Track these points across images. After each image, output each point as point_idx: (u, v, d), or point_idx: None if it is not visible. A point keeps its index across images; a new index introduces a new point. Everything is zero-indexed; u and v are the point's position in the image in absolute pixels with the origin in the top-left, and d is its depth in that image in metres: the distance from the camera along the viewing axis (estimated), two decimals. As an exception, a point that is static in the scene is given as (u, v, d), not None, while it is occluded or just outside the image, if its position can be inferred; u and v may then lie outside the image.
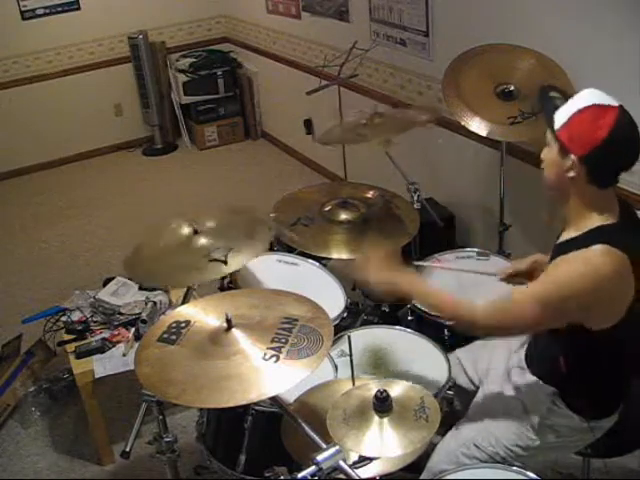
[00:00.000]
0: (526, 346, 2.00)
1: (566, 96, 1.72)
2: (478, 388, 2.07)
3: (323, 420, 1.68)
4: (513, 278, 2.17)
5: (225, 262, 2.00)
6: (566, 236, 1.72)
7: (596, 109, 1.61)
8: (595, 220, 1.65)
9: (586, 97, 1.64)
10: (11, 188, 5.54)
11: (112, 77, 5.80)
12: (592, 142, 1.59)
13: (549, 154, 1.71)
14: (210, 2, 5.98)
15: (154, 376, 1.51)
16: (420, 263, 2.55)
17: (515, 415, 1.87)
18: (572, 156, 1.62)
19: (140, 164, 5.83)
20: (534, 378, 1.88)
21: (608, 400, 1.82)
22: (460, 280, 2.58)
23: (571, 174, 1.64)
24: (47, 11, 5.42)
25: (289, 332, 1.55)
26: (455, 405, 2.12)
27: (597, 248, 1.59)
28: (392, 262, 1.94)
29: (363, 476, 1.61)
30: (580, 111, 1.62)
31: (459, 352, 2.21)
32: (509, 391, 1.93)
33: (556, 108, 1.68)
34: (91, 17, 5.56)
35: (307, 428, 1.52)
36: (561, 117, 1.65)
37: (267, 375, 1.45)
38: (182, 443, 2.56)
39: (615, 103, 1.62)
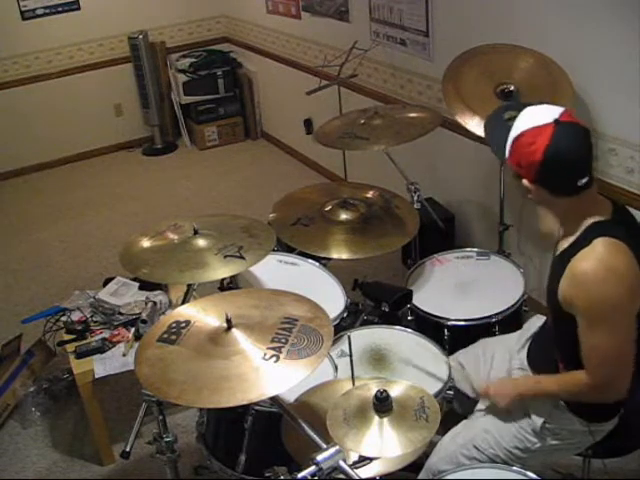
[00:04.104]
0: (527, 348, 2.00)
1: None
2: None
3: (323, 420, 1.68)
4: None
5: (242, 257, 2.01)
6: (565, 244, 1.72)
7: (530, 132, 1.60)
8: (588, 220, 1.66)
9: (523, 120, 1.63)
10: (11, 188, 5.54)
11: (112, 77, 5.80)
12: (533, 166, 1.60)
13: (514, 180, 1.72)
14: (210, 2, 5.98)
15: (154, 376, 1.51)
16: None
17: (516, 417, 1.87)
18: (524, 181, 1.65)
19: (140, 164, 5.83)
20: None
21: (609, 403, 1.82)
22: (459, 279, 2.59)
23: (531, 196, 1.68)
24: (47, 11, 5.42)
25: (289, 332, 1.55)
26: (456, 410, 2.12)
27: (598, 242, 1.59)
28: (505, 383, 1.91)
29: (363, 476, 1.61)
30: (517, 137, 1.63)
31: (460, 356, 2.20)
32: None
33: (507, 129, 1.67)
34: (91, 17, 5.56)
35: (307, 428, 1.52)
36: (508, 145, 1.66)
37: (267, 375, 1.45)
38: (182, 443, 2.56)
39: (550, 119, 1.60)
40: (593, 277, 1.58)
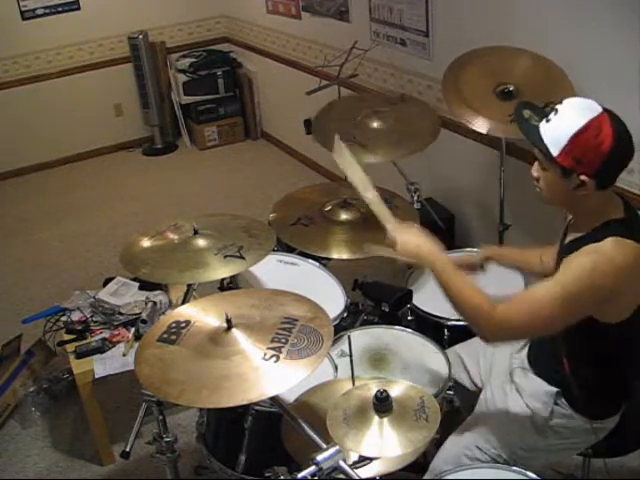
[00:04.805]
0: (528, 347, 2.00)
1: (538, 111, 1.67)
2: (480, 389, 2.07)
3: (323, 420, 1.68)
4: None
5: (242, 257, 2.01)
6: (574, 235, 1.71)
7: (593, 125, 1.55)
8: (603, 217, 1.64)
9: (574, 114, 1.57)
10: (11, 188, 5.54)
11: (112, 77, 5.80)
12: (600, 157, 1.56)
13: (548, 177, 1.66)
14: (210, 2, 5.98)
15: (154, 376, 1.51)
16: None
17: (518, 417, 1.87)
18: (582, 177, 1.58)
19: (140, 164, 5.83)
20: (537, 379, 1.88)
21: (611, 400, 1.82)
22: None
23: (582, 192, 1.61)
24: (47, 11, 5.42)
25: (289, 332, 1.55)
26: (455, 403, 2.12)
27: (609, 240, 1.58)
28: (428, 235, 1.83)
29: (363, 476, 1.61)
30: (579, 132, 1.55)
31: (460, 349, 2.20)
32: (511, 392, 1.92)
33: (535, 127, 1.63)
34: (91, 17, 5.56)
35: (307, 428, 1.52)
36: (556, 141, 1.58)
37: (267, 375, 1.45)
38: (182, 443, 2.57)
39: (598, 107, 1.58)
40: (584, 252, 1.57)
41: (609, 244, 1.57)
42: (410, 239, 1.83)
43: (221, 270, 2.00)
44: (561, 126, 1.58)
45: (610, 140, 1.54)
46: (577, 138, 1.56)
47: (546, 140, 1.60)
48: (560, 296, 1.57)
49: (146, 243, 2.14)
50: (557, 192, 1.67)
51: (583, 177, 1.58)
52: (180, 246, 2.10)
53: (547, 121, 1.61)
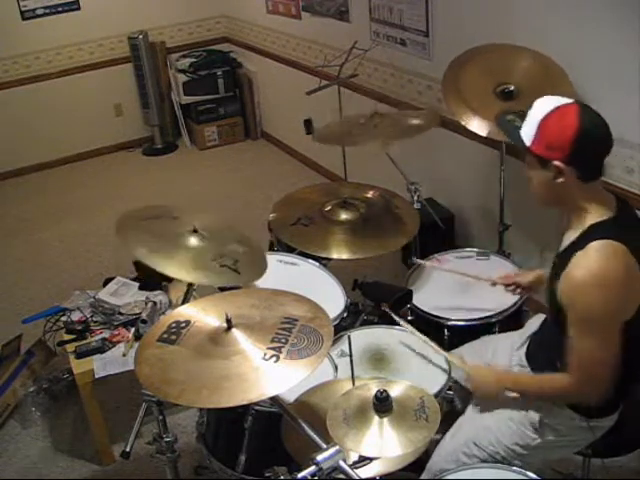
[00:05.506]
0: (527, 345, 2.00)
1: (522, 115, 1.74)
2: None
3: (323, 420, 1.68)
4: (508, 286, 2.20)
5: (237, 271, 2.01)
6: (567, 241, 1.73)
7: (557, 111, 1.64)
8: (591, 218, 1.67)
9: (542, 105, 1.67)
10: (11, 188, 5.54)
11: (112, 77, 5.80)
12: (568, 139, 1.61)
13: (533, 174, 1.73)
14: (210, 2, 5.98)
15: (154, 376, 1.51)
16: (420, 261, 2.55)
17: (515, 414, 1.87)
18: (555, 162, 1.64)
19: (140, 164, 5.83)
20: None
21: (608, 399, 1.82)
22: (459, 279, 2.58)
23: (560, 180, 1.66)
24: (47, 11, 5.42)
25: (289, 332, 1.55)
26: (455, 404, 2.12)
27: (592, 246, 1.61)
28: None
29: (363, 476, 1.61)
30: (544, 119, 1.65)
31: (463, 351, 2.20)
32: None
33: (518, 129, 1.71)
34: (91, 17, 5.56)
35: (307, 428, 1.52)
36: (528, 132, 1.68)
37: (267, 375, 1.45)
38: (182, 443, 2.56)
39: (570, 100, 1.66)
40: (582, 286, 1.61)
41: (590, 251, 1.61)
42: (482, 387, 1.92)
43: (213, 277, 2.01)
44: (531, 117, 1.68)
45: (575, 124, 1.60)
46: (543, 124, 1.65)
47: (522, 134, 1.70)
48: (594, 338, 1.62)
49: (143, 223, 2.12)
50: (543, 187, 1.72)
51: (557, 162, 1.64)
52: (176, 239, 2.08)
53: (526, 120, 1.70)
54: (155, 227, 2.13)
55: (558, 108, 1.64)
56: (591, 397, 1.71)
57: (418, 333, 2.11)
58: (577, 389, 1.69)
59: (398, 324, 2.36)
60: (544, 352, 1.89)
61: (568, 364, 1.69)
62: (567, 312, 1.67)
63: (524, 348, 2.00)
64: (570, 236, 1.72)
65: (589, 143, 1.62)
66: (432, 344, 2.08)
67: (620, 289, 1.60)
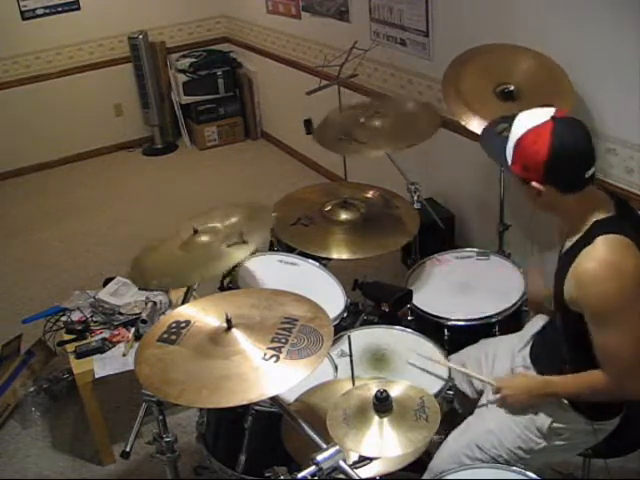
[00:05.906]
0: (530, 346, 2.00)
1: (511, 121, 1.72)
2: (482, 393, 2.06)
3: (323, 420, 1.68)
4: None
5: (245, 242, 2.04)
6: (569, 243, 1.73)
7: (531, 133, 1.62)
8: (591, 218, 1.67)
9: (519, 125, 1.66)
10: (11, 188, 5.54)
11: (112, 77, 5.80)
12: (540, 162, 1.61)
13: (519, 188, 1.73)
14: (210, 2, 5.98)
15: (154, 376, 1.51)
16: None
17: (519, 417, 1.87)
18: (533, 183, 1.65)
19: (140, 164, 5.83)
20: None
21: (613, 402, 1.82)
22: (459, 279, 2.58)
23: (538, 201, 1.68)
24: (47, 11, 5.42)
25: (289, 332, 1.55)
26: (455, 407, 2.12)
27: (600, 240, 1.60)
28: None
29: (363, 476, 1.61)
30: (518, 141, 1.65)
31: (462, 357, 2.19)
32: None
33: (505, 141, 1.69)
34: (91, 17, 5.56)
35: (307, 428, 1.52)
36: (509, 151, 1.67)
37: (267, 375, 1.45)
38: (182, 443, 2.56)
39: (547, 117, 1.63)
40: (594, 277, 1.59)
41: (599, 245, 1.60)
42: (515, 395, 1.88)
43: (227, 259, 2.04)
44: (512, 135, 1.67)
45: (546, 147, 1.59)
46: (518, 146, 1.65)
47: (507, 151, 1.69)
48: (616, 329, 1.60)
49: (151, 255, 2.18)
50: (532, 201, 1.72)
51: (534, 184, 1.65)
52: (184, 249, 2.13)
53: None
54: (164, 251, 2.20)
55: (532, 129, 1.62)
56: (628, 392, 1.68)
57: (459, 367, 2.09)
58: (617, 384, 1.65)
59: (399, 323, 2.37)
60: (550, 354, 1.88)
61: (599, 362, 1.66)
62: (582, 310, 1.64)
63: (527, 349, 2.00)
64: (573, 238, 1.71)
65: (562, 163, 1.61)
66: (473, 374, 2.06)
67: (633, 279, 1.58)
